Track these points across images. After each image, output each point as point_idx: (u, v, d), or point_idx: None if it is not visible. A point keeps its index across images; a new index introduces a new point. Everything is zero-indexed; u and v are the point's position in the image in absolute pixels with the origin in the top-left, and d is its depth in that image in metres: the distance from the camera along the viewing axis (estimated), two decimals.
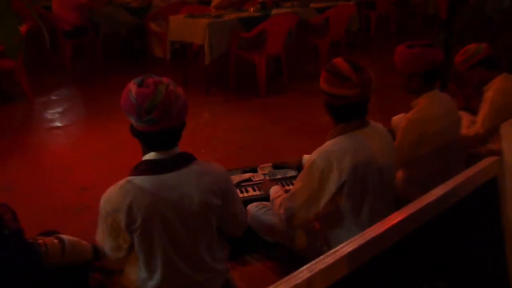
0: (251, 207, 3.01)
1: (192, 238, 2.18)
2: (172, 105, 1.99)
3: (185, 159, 2.16)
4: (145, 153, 2.15)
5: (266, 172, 3.52)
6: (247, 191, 3.26)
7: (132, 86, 2.04)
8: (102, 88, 7.55)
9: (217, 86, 7.57)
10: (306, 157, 3.28)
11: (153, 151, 2.12)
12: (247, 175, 3.52)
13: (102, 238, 2.21)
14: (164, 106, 1.97)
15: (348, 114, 2.41)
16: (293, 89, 7.41)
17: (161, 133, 2.04)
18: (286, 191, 2.71)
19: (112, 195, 2.09)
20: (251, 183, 3.40)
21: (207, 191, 2.15)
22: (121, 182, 2.11)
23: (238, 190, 3.07)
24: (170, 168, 2.10)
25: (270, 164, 3.56)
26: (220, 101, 7.04)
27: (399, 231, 1.18)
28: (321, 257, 1.09)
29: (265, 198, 3.12)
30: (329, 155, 2.38)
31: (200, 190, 2.13)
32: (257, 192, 3.24)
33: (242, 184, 3.39)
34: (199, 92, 7.26)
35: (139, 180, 2.09)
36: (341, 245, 1.12)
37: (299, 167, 3.42)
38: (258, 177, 3.49)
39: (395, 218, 1.19)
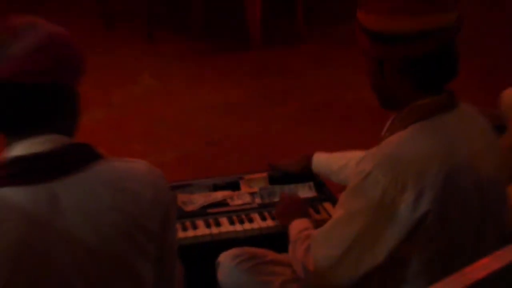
0: (226, 258, 2.31)
1: None
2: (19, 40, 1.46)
3: (78, 156, 1.58)
4: (8, 144, 1.61)
5: (255, 189, 2.71)
6: (218, 224, 2.49)
7: None
8: None
9: (168, 27, 5.44)
10: (335, 159, 2.66)
11: (16, 138, 1.57)
12: (219, 195, 2.66)
13: None
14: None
15: (439, 72, 1.92)
16: (311, 38, 5.28)
17: (11, 96, 1.49)
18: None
19: None
20: (228, 209, 2.60)
21: (128, 220, 1.56)
22: None
23: (201, 222, 2.46)
24: (45, 173, 1.54)
25: (266, 173, 2.78)
26: (174, 55, 4.98)
27: None
28: None
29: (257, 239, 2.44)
30: (398, 163, 1.91)
31: (115, 215, 1.54)
32: (246, 227, 2.49)
33: (210, 211, 2.55)
34: (133, 38, 5.20)
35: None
36: None
37: (308, 176, 2.70)
38: (240, 198, 2.69)
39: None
